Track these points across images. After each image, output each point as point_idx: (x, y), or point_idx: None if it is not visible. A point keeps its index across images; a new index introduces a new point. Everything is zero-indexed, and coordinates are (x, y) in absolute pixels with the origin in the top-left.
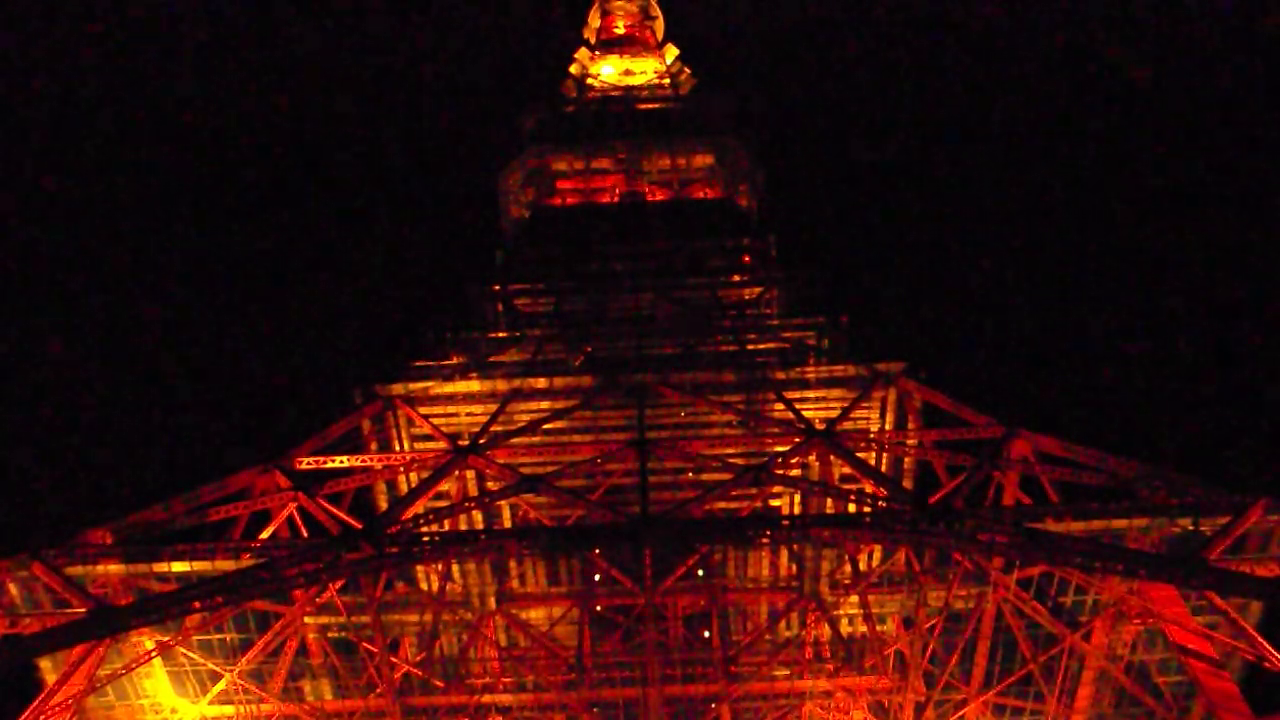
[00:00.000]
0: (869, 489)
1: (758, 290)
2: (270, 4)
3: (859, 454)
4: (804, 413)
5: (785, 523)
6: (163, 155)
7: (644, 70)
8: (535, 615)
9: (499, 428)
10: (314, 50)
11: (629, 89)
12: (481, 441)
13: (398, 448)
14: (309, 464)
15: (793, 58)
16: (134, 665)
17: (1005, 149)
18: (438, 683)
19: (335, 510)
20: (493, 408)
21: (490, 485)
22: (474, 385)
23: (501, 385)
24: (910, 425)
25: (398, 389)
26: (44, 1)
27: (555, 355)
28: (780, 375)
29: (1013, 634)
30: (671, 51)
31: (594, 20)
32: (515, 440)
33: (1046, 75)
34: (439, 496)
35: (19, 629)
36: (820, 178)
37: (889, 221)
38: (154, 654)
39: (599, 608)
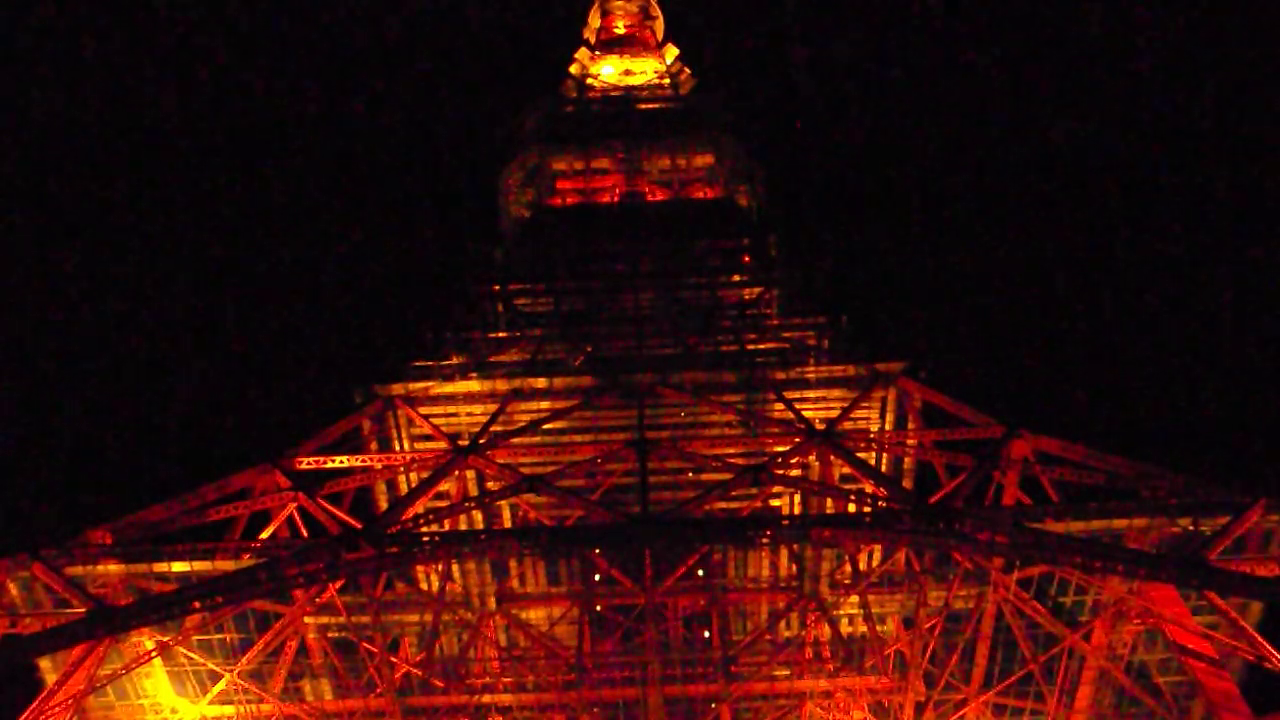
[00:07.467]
0: (869, 489)
1: (758, 290)
2: (272, 2)
3: (859, 454)
4: (804, 413)
5: (785, 523)
6: (164, 154)
7: (644, 70)
8: (535, 615)
9: (499, 428)
10: (314, 49)
11: (629, 89)
12: (481, 441)
13: (398, 448)
14: (309, 464)
15: (792, 57)
16: (134, 665)
17: (1005, 148)
18: (438, 683)
19: (335, 510)
20: (493, 408)
21: (490, 485)
22: (474, 385)
23: (501, 385)
24: (910, 425)
25: (398, 389)
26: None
27: (555, 355)
28: (780, 375)
29: (1013, 634)
30: (671, 51)
31: (594, 20)
32: (515, 440)
33: (1045, 73)
34: (439, 496)
35: (19, 629)
36: (820, 177)
37: (889, 221)
38: (154, 654)
39: (599, 608)
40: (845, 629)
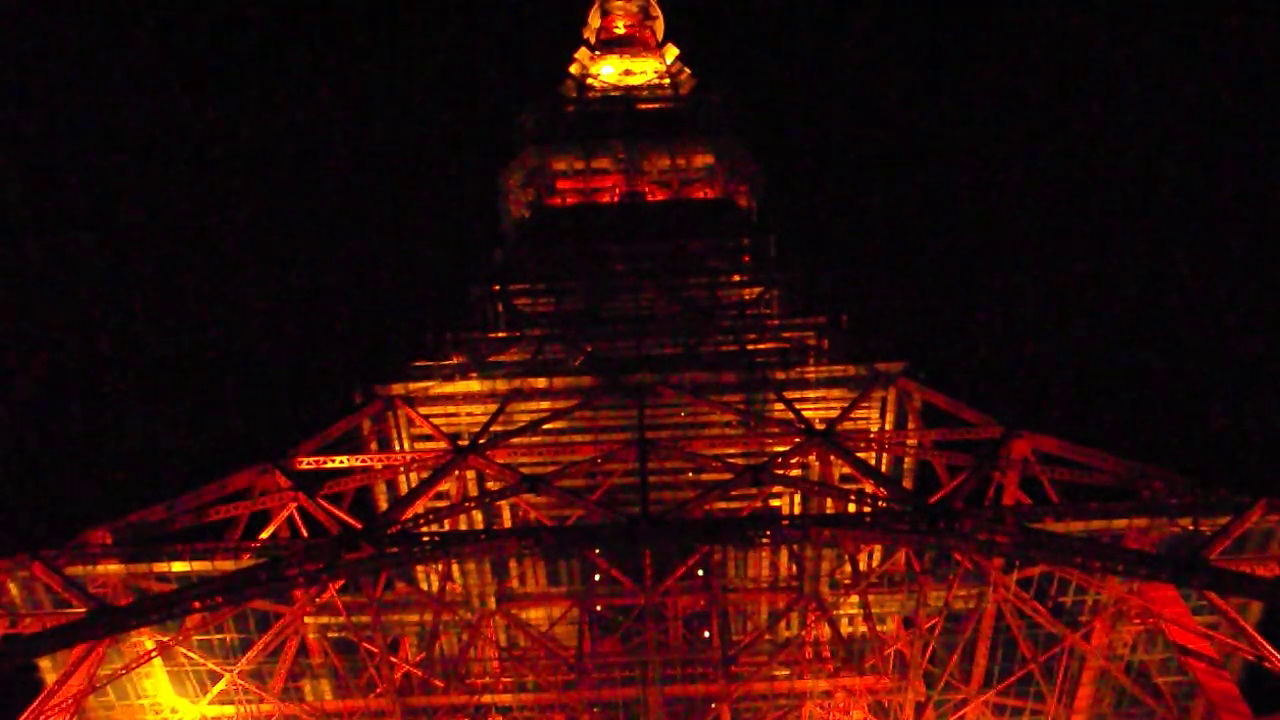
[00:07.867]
0: (869, 489)
1: (758, 290)
2: (272, 2)
3: (859, 454)
4: (804, 413)
5: (785, 523)
6: (164, 154)
7: (644, 70)
8: (535, 615)
9: (499, 428)
10: (315, 49)
11: (629, 89)
12: (481, 441)
13: (398, 448)
14: (309, 464)
15: (792, 57)
16: (134, 665)
17: (1006, 148)
18: (438, 683)
19: (335, 510)
20: (493, 408)
21: (490, 485)
22: (474, 385)
23: (501, 385)
24: (910, 425)
25: (398, 389)
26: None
27: (555, 355)
28: (780, 375)
29: (1013, 634)
30: (671, 51)
31: (594, 20)
32: (515, 440)
33: (1044, 74)
34: (439, 496)
35: (19, 629)
36: (820, 177)
37: (889, 221)
38: (154, 654)
39: (599, 608)
40: (845, 629)
